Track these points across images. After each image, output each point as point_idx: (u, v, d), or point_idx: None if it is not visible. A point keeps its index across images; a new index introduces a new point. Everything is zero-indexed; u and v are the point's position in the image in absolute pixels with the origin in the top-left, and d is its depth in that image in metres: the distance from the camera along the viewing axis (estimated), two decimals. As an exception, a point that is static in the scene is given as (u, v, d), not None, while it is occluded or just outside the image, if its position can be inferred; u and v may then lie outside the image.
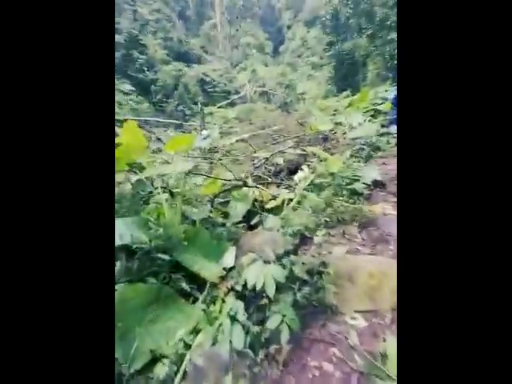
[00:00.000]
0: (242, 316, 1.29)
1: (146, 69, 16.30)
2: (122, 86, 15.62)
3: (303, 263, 1.53)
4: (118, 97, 15.11)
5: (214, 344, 1.22)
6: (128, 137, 1.83)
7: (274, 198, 2.73)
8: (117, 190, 2.30)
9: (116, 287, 1.39)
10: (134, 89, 15.95)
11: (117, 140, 1.83)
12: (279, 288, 1.39)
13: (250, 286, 1.39)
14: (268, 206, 2.63)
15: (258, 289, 1.36)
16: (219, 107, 16.63)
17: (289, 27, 27.58)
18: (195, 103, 15.09)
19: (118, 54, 15.91)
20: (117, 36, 15.87)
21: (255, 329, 1.25)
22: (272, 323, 1.26)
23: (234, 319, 1.28)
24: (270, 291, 1.34)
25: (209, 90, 18.03)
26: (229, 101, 16.93)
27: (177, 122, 14.99)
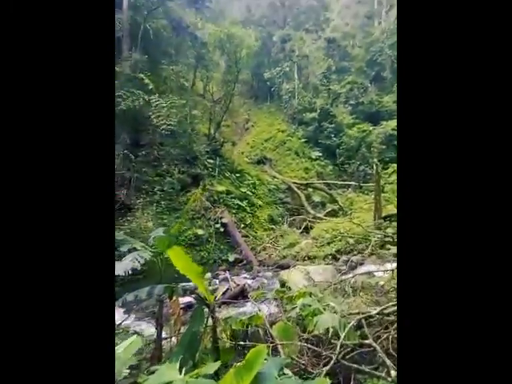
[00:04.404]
0: None
1: (333, 135, 17.75)
2: (311, 153, 17.92)
3: None
4: (307, 163, 17.39)
5: None
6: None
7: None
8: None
9: None
10: (320, 154, 17.76)
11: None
12: None
13: None
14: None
15: None
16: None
17: None
18: (380, 161, 13.96)
19: (311, 128, 18.76)
20: (312, 114, 18.95)
21: None
22: None
23: None
24: None
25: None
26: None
27: (355, 183, 14.51)
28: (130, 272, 2.50)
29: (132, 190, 10.19)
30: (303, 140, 18.77)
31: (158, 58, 13.58)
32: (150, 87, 11.21)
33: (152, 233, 3.16)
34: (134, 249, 3.35)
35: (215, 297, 2.78)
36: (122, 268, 2.50)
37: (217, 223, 10.70)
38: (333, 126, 18.14)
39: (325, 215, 12.85)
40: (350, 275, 5.52)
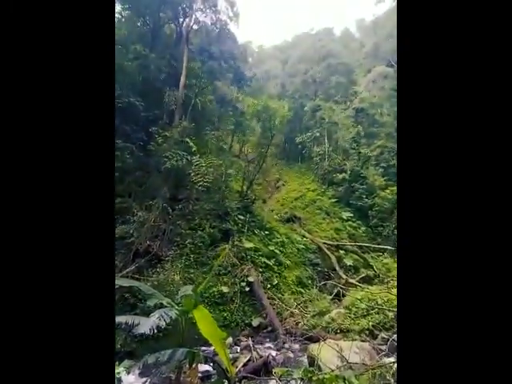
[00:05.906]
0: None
1: (364, 196, 17.48)
2: (342, 213, 17.56)
3: None
4: (338, 223, 16.92)
5: None
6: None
7: None
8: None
9: None
10: (352, 215, 17.30)
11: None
12: None
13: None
14: None
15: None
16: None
17: None
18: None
19: (341, 188, 18.81)
20: (342, 175, 19.24)
21: None
22: None
23: None
24: None
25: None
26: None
27: (391, 247, 13.50)
28: (155, 330, 2.49)
29: (165, 241, 10.61)
30: (334, 200, 18.69)
31: (202, 125, 15.62)
32: (193, 149, 12.64)
33: (181, 290, 3.21)
34: (161, 304, 3.37)
35: (236, 369, 2.54)
36: (148, 325, 2.51)
37: (242, 281, 10.35)
38: (364, 187, 18.05)
39: (358, 281, 11.80)
40: (392, 359, 4.77)
